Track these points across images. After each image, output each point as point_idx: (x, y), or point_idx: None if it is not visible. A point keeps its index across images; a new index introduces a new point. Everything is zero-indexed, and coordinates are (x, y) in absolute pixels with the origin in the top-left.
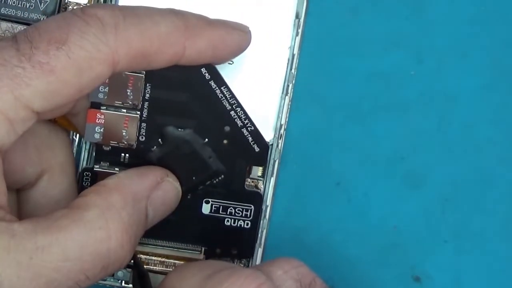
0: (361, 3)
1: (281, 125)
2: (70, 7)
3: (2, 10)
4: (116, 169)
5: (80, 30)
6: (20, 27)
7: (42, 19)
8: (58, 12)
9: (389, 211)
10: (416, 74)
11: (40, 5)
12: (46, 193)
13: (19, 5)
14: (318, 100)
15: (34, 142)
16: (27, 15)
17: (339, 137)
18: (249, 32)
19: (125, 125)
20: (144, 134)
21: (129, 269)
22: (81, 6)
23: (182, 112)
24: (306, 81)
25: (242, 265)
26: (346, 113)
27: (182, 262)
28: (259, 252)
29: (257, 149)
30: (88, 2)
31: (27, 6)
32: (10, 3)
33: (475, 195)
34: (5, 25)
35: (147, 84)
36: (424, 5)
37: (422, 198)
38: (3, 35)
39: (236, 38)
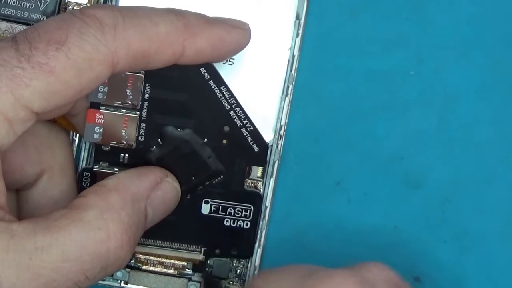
0: (361, 3)
1: (281, 126)
2: (70, 7)
3: (2, 10)
4: (116, 169)
5: (79, 31)
6: (19, 27)
7: (42, 19)
8: (58, 12)
9: (389, 211)
10: (416, 74)
11: (40, 5)
12: (46, 193)
13: (19, 5)
14: (318, 100)
15: (34, 142)
16: (27, 15)
17: (339, 137)
18: (249, 29)
19: (124, 125)
20: (143, 134)
21: (128, 269)
22: (81, 7)
23: (181, 112)
24: (306, 81)
25: (242, 266)
26: (346, 113)
27: (182, 263)
28: (258, 252)
29: (256, 149)
30: (88, 2)
31: (27, 6)
32: (10, 3)
33: (475, 195)
34: (4, 25)
35: (147, 84)
36: (424, 5)
37: (422, 198)
38: (2, 35)
39: (235, 36)
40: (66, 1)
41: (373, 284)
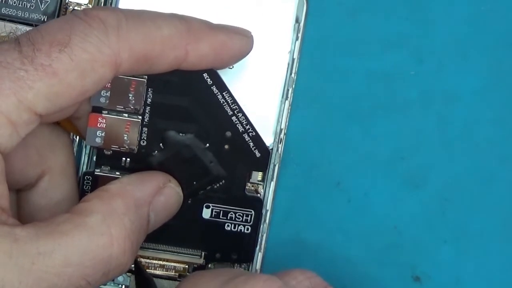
0: (361, 3)
1: (281, 130)
2: (71, 7)
3: (2, 10)
4: (117, 173)
5: (83, 32)
6: (24, 28)
7: (42, 19)
8: (59, 12)
9: (389, 211)
10: (416, 74)
11: (41, 5)
12: (46, 194)
13: (20, 5)
14: (319, 102)
15: (35, 143)
16: (27, 15)
17: (339, 137)
18: (252, 37)
19: (126, 129)
20: (145, 138)
21: (129, 274)
22: (83, 8)
23: (183, 117)
24: (306, 84)
25: (243, 268)
26: (346, 113)
27: (183, 265)
28: (259, 256)
29: (258, 155)
30: (89, 2)
31: (28, 6)
32: (11, 3)
33: (475, 195)
34: (9, 27)
35: (149, 89)
36: (424, 5)
37: (422, 198)
38: (6, 36)
39: (238, 43)
40: (66, 1)
41: None
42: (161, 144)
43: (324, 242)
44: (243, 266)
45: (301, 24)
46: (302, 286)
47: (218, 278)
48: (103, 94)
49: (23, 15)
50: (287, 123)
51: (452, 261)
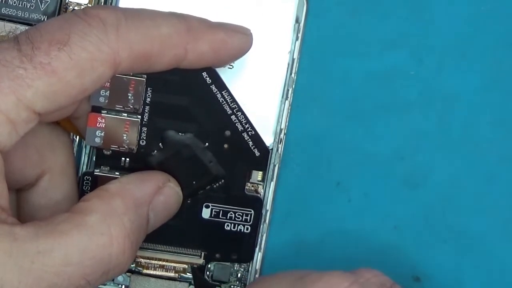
0: (361, 3)
1: (281, 130)
2: (71, 7)
3: (2, 10)
4: (117, 173)
5: (82, 31)
6: (24, 28)
7: (42, 19)
8: (59, 12)
9: (389, 211)
10: (416, 74)
11: (41, 5)
12: (46, 194)
13: (20, 5)
14: (319, 102)
15: (35, 142)
16: (27, 15)
17: (339, 138)
18: (251, 35)
19: (125, 129)
20: (144, 138)
21: (129, 274)
22: (83, 7)
23: (182, 116)
24: (306, 84)
25: (242, 269)
26: (346, 113)
27: (183, 265)
28: (259, 256)
29: (257, 154)
30: (89, 2)
31: (28, 6)
32: (11, 3)
33: (475, 195)
34: (9, 26)
35: (148, 88)
36: (424, 5)
37: (422, 198)
38: (5, 36)
39: (237, 41)
40: (66, 1)
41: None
42: (160, 144)
43: (324, 242)
44: (243, 265)
45: (301, 24)
46: (371, 284)
47: (291, 276)
48: (102, 93)
49: (23, 15)
50: (287, 123)
51: (452, 261)
